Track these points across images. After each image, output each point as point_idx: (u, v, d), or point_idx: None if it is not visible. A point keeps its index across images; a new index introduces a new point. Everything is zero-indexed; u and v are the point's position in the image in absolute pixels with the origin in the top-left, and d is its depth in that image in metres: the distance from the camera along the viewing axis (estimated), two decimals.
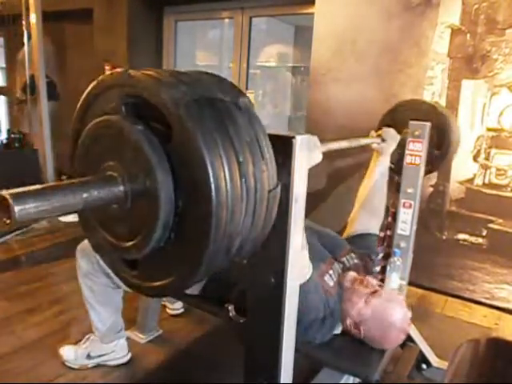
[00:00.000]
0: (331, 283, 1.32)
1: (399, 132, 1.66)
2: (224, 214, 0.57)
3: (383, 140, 1.55)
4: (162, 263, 0.65)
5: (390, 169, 1.73)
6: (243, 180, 0.58)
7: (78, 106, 0.71)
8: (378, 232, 1.67)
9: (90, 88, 0.68)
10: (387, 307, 1.29)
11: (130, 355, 1.91)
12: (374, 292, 1.32)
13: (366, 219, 1.66)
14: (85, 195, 0.56)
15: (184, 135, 0.56)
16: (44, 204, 0.51)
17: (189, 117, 0.56)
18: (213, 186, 0.55)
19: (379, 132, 1.57)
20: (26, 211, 0.49)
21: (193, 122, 0.56)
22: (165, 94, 0.57)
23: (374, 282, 1.38)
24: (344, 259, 1.48)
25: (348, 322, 1.32)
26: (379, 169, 1.65)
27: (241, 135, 0.60)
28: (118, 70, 0.66)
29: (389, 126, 1.68)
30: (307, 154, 0.76)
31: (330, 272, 1.35)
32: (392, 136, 1.57)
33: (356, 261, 1.52)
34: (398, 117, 1.76)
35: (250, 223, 0.61)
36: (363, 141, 1.48)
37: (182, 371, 1.91)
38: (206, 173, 0.55)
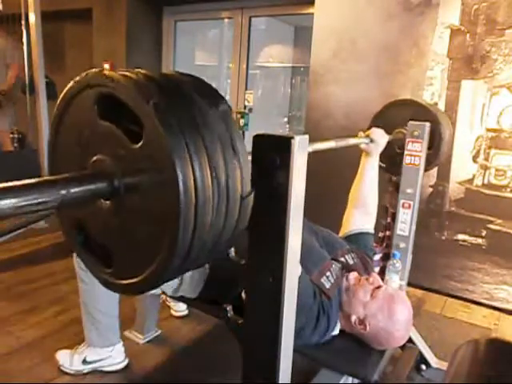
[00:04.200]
0: (328, 285, 1.32)
1: (390, 132, 1.66)
2: (192, 215, 0.57)
3: (371, 140, 1.54)
4: (135, 261, 0.65)
5: (383, 167, 1.72)
6: (215, 182, 0.58)
7: (56, 105, 0.71)
8: (372, 231, 1.67)
9: (67, 88, 0.69)
10: (393, 300, 1.29)
11: (127, 361, 1.88)
12: (379, 287, 1.33)
13: (359, 219, 1.66)
14: (62, 192, 0.56)
15: (153, 134, 0.56)
16: (20, 201, 0.51)
17: (157, 115, 0.56)
18: (181, 187, 0.55)
19: (368, 132, 1.56)
20: (5, 207, 0.49)
21: (161, 120, 0.56)
22: (135, 92, 0.58)
23: (378, 278, 1.39)
24: (343, 259, 1.47)
25: (353, 318, 1.31)
26: (368, 169, 1.64)
27: (214, 138, 0.60)
28: (94, 70, 0.67)
29: (378, 126, 1.67)
30: (306, 154, 0.75)
31: (328, 274, 1.34)
32: (380, 136, 1.56)
33: (356, 260, 1.52)
34: (388, 117, 1.76)
35: (221, 225, 0.62)
36: (351, 141, 1.48)
37: (180, 371, 1.91)
38: (174, 172, 0.55)
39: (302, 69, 4.97)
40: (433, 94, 2.72)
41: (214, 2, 4.07)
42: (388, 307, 1.28)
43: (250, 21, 4.01)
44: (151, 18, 4.46)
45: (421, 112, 1.69)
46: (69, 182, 0.58)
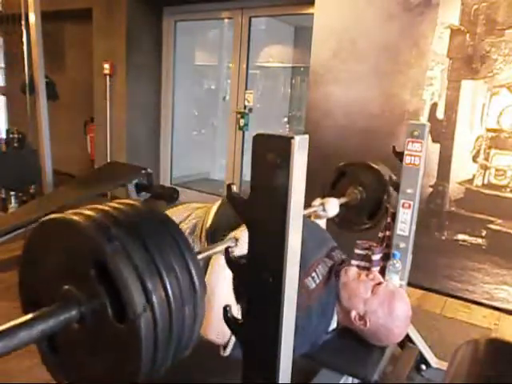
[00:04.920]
0: (313, 285, 1.29)
1: (345, 187, 1.82)
2: (151, 348, 0.63)
3: (323, 209, 1.62)
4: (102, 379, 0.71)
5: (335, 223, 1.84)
6: (172, 326, 0.64)
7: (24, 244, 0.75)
8: None
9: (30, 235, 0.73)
10: (394, 296, 1.30)
11: None
12: (380, 283, 1.33)
13: None
14: (40, 329, 0.62)
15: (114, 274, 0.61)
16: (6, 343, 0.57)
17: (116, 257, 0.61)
18: (143, 343, 0.61)
19: (323, 200, 1.64)
20: None
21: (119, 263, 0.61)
22: (95, 233, 0.63)
23: (378, 275, 1.39)
24: (333, 254, 1.47)
25: (353, 314, 1.31)
26: None
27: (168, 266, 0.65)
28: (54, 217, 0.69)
29: (340, 177, 1.87)
30: (306, 154, 0.75)
31: (313, 274, 1.32)
32: (333, 207, 1.64)
33: (344, 256, 1.52)
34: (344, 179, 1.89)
35: (174, 348, 0.68)
36: (306, 211, 1.54)
37: (180, 371, 1.91)
38: (139, 333, 0.60)
39: (301, 69, 4.98)
40: (433, 93, 2.72)
41: (214, 2, 4.07)
42: (388, 304, 1.28)
43: (249, 21, 4.01)
44: (151, 19, 4.46)
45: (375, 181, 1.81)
46: (46, 317, 0.63)
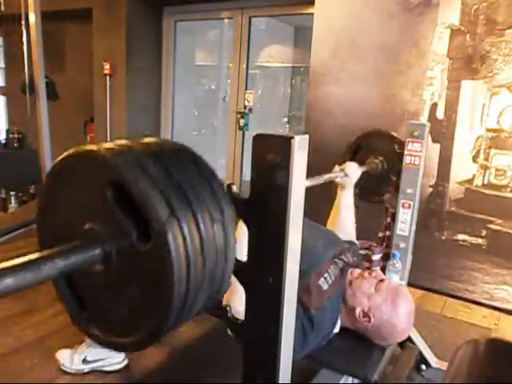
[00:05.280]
0: (325, 286, 1.32)
1: (363, 162, 1.75)
2: (184, 280, 0.57)
3: (346, 174, 1.62)
4: (130, 321, 0.66)
5: (355, 194, 1.77)
6: (204, 245, 0.59)
7: (48, 173, 0.70)
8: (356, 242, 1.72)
9: (58, 160, 0.68)
10: (397, 293, 1.33)
11: (126, 361, 1.88)
12: (382, 280, 1.36)
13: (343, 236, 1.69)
14: (61, 264, 0.56)
15: (143, 202, 0.57)
16: (24, 277, 0.51)
17: (150, 187, 0.57)
18: (173, 256, 0.56)
19: (342, 166, 1.63)
20: (3, 287, 0.49)
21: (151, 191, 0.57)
22: (128, 167, 0.58)
23: (381, 272, 1.42)
24: (343, 257, 1.48)
25: (357, 311, 1.33)
26: (344, 201, 1.71)
27: (200, 201, 0.61)
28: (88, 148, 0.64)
29: (356, 151, 1.81)
30: (306, 153, 0.75)
31: (326, 275, 1.35)
32: (354, 170, 1.64)
33: (355, 258, 1.53)
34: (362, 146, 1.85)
35: (211, 279, 0.63)
36: (326, 176, 1.54)
37: (180, 371, 1.91)
38: (167, 244, 0.55)
39: (301, 69, 4.98)
40: (433, 93, 2.72)
41: (214, 2, 4.07)
42: (392, 300, 1.31)
43: (250, 21, 4.01)
44: (151, 18, 4.46)
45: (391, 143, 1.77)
46: (67, 253, 0.58)
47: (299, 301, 1.09)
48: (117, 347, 0.71)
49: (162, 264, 0.56)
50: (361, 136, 1.86)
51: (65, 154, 0.64)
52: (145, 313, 0.62)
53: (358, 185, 1.70)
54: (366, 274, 1.40)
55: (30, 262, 0.53)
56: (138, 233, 0.58)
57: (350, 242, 1.66)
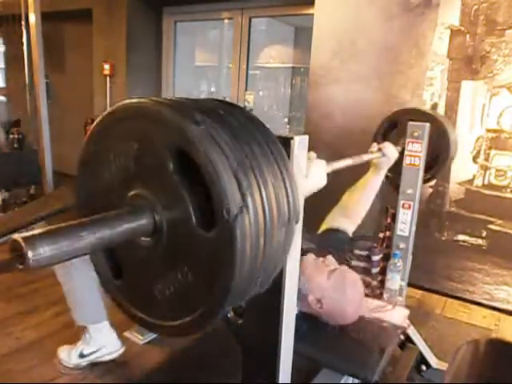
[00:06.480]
0: None
1: (398, 141, 1.69)
2: (247, 256, 0.52)
3: (384, 154, 1.59)
4: (181, 303, 0.59)
5: (386, 177, 1.74)
6: (266, 211, 0.53)
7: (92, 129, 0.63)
8: (350, 234, 1.69)
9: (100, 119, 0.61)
10: (346, 280, 1.39)
11: (123, 349, 1.89)
12: (334, 270, 1.41)
13: (341, 219, 1.68)
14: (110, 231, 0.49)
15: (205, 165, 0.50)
16: (62, 246, 0.45)
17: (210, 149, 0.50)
18: (238, 250, 0.50)
19: (380, 146, 1.60)
20: (40, 256, 0.44)
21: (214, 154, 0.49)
22: (195, 134, 0.51)
23: (333, 260, 1.45)
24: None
25: (310, 298, 1.38)
26: (373, 180, 1.68)
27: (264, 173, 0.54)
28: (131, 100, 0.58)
29: (391, 128, 1.75)
30: (306, 154, 0.75)
31: None
32: (392, 151, 1.61)
33: (312, 245, 1.55)
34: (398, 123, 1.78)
35: (271, 254, 0.57)
36: (365, 157, 1.52)
37: (180, 372, 1.91)
38: (235, 238, 0.49)
39: (302, 69, 4.97)
40: (433, 94, 2.72)
41: (214, 3, 4.07)
42: (341, 287, 1.38)
43: (250, 21, 4.01)
44: (151, 18, 4.46)
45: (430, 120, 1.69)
46: (117, 219, 0.52)
47: None
48: (160, 330, 0.64)
49: (224, 253, 0.50)
50: (399, 111, 1.78)
51: (118, 104, 0.57)
52: (195, 297, 0.56)
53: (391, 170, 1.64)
54: (319, 261, 1.43)
55: (68, 228, 0.47)
56: (198, 212, 0.51)
57: (336, 230, 1.66)
